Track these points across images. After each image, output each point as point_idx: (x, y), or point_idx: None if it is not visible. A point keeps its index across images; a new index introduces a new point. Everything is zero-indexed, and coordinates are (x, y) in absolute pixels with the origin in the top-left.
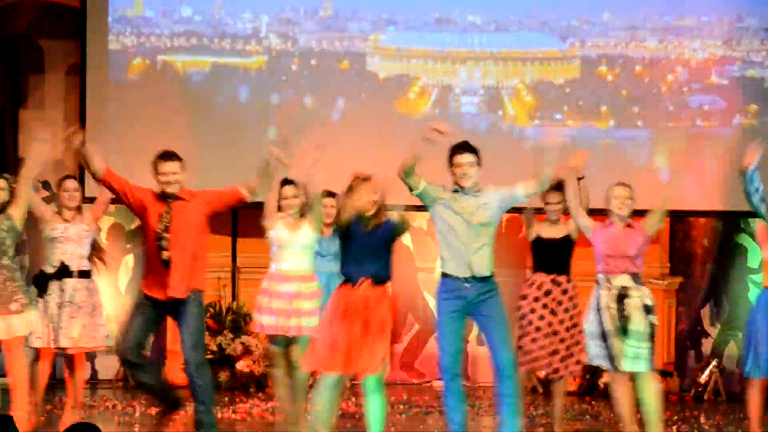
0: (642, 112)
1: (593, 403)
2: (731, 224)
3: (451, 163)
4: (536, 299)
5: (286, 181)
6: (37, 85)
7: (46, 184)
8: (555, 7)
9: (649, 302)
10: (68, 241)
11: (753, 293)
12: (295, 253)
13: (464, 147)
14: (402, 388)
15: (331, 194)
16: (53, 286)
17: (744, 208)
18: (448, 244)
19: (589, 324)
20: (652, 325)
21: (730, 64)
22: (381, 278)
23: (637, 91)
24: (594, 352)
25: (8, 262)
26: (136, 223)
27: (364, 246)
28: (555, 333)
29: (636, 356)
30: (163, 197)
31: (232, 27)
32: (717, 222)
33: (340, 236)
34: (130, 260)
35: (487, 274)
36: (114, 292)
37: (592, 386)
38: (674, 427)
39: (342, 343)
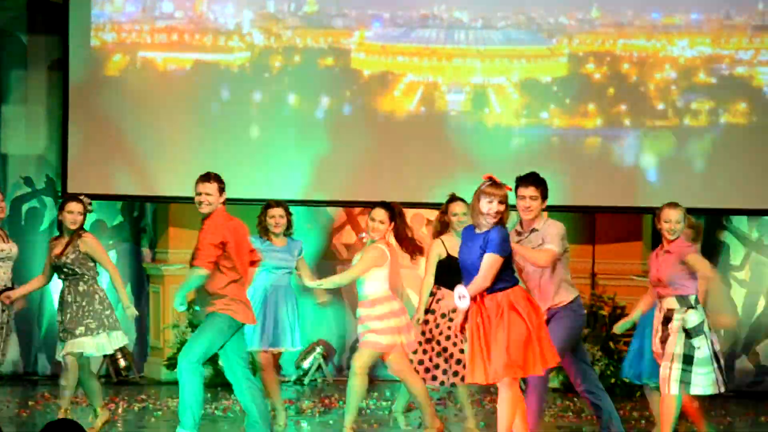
0: (629, 111)
1: (575, 399)
2: (714, 221)
3: (516, 195)
4: (443, 315)
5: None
6: (20, 80)
7: (28, 181)
8: (542, 3)
9: (690, 325)
10: (9, 261)
11: (735, 291)
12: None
13: (527, 179)
14: (385, 384)
15: (279, 204)
16: None
17: (726, 205)
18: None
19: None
20: (691, 348)
21: (718, 63)
22: (493, 288)
23: (624, 89)
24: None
25: (84, 288)
26: (119, 219)
27: (472, 256)
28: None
29: (663, 377)
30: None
31: (213, 23)
32: (698, 219)
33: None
34: (112, 256)
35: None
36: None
37: None
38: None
39: (469, 353)
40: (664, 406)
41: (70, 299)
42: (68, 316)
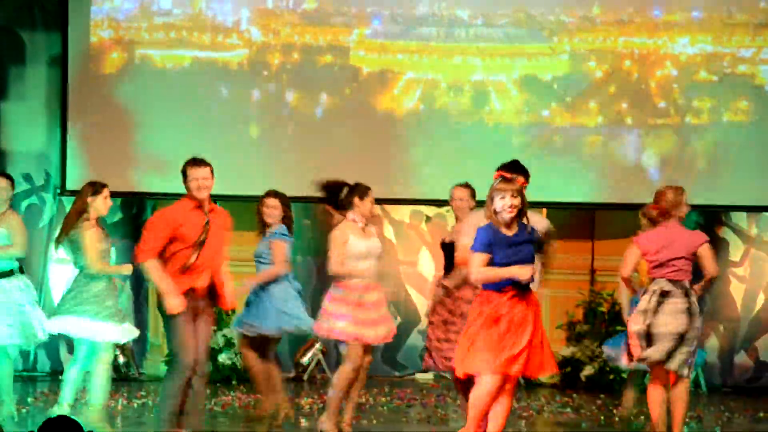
0: (631, 109)
1: (574, 396)
2: (712, 218)
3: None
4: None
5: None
6: (19, 76)
7: (27, 177)
8: (543, 1)
9: (685, 306)
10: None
11: (734, 287)
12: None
13: (512, 167)
14: (384, 380)
15: (276, 194)
16: None
17: (725, 201)
18: None
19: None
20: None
21: (719, 60)
22: (520, 285)
23: (625, 87)
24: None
25: None
26: (118, 216)
27: (505, 253)
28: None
29: (681, 362)
30: (201, 206)
31: (211, 20)
32: (698, 216)
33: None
34: (111, 253)
35: None
36: None
37: (573, 379)
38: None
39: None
40: (682, 393)
41: (116, 284)
42: (116, 300)
